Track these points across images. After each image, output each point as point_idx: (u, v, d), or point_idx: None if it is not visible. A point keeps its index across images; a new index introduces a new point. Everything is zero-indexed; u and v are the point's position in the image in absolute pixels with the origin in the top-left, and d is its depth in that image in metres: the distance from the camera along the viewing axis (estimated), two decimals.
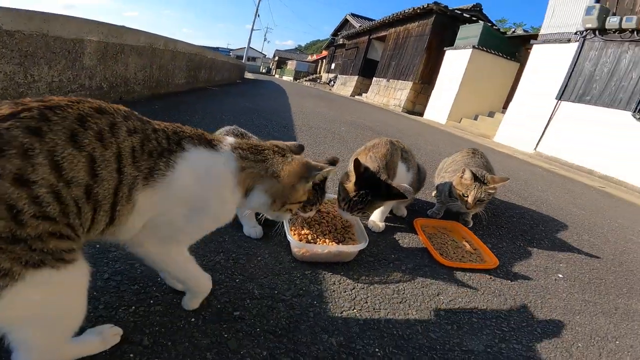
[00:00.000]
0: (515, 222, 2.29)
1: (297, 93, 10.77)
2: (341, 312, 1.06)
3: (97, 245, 1.08)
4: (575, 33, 6.70)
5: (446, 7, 11.69)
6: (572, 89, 6.58)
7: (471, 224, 1.99)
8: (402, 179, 1.69)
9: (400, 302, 1.18)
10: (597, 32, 6.21)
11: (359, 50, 18.42)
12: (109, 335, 0.75)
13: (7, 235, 0.49)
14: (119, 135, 0.62)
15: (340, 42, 23.29)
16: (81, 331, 0.66)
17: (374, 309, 1.11)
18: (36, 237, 0.51)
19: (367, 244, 1.32)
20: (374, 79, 15.40)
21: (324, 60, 31.66)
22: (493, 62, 9.92)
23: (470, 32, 10.27)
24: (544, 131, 6.94)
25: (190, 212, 0.74)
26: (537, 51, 7.77)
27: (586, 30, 6.37)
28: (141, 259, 0.78)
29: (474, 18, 11.77)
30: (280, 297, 1.05)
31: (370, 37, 17.35)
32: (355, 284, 1.21)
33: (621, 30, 5.78)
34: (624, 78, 5.71)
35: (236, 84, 10.16)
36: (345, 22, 24.86)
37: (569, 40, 6.86)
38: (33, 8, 2.32)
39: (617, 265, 1.94)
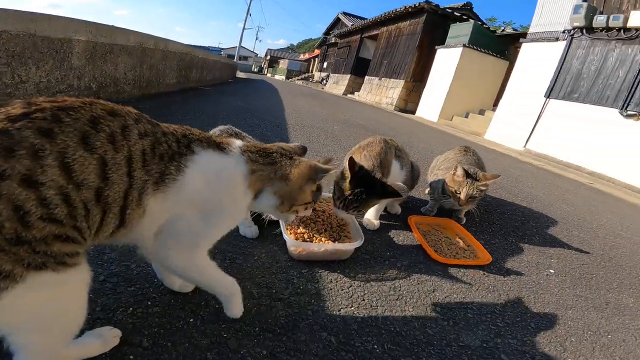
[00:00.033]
0: (507, 219, 2.32)
1: (290, 92, 10.75)
2: (339, 310, 1.06)
3: (91, 247, 1.06)
4: (563, 32, 6.80)
5: (437, 5, 11.79)
6: (560, 87, 6.68)
7: (464, 221, 2.02)
8: (396, 176, 1.71)
9: (397, 299, 1.19)
10: (584, 31, 6.31)
11: (351, 48, 18.44)
12: (109, 337, 0.75)
13: (12, 237, 0.48)
14: (130, 138, 0.61)
15: (333, 41, 23.27)
16: (80, 334, 0.66)
17: (371, 306, 1.12)
18: (41, 240, 0.51)
19: (362, 241, 1.33)
20: (366, 77, 15.43)
21: (316, 59, 31.62)
22: (483, 60, 10.03)
23: (461, 30, 10.36)
24: (533, 128, 7.03)
25: (205, 215, 0.74)
26: (526, 49, 7.86)
27: (574, 28, 6.47)
28: (169, 271, 0.82)
29: (464, 17, 11.91)
30: (278, 296, 1.06)
31: (363, 36, 17.38)
32: (352, 282, 1.22)
33: (608, 29, 5.88)
34: (611, 76, 5.82)
35: (228, 83, 10.10)
36: (337, 21, 24.82)
37: (557, 39, 6.96)
38: (18, 8, 2.27)
39: (607, 260, 1.98)
